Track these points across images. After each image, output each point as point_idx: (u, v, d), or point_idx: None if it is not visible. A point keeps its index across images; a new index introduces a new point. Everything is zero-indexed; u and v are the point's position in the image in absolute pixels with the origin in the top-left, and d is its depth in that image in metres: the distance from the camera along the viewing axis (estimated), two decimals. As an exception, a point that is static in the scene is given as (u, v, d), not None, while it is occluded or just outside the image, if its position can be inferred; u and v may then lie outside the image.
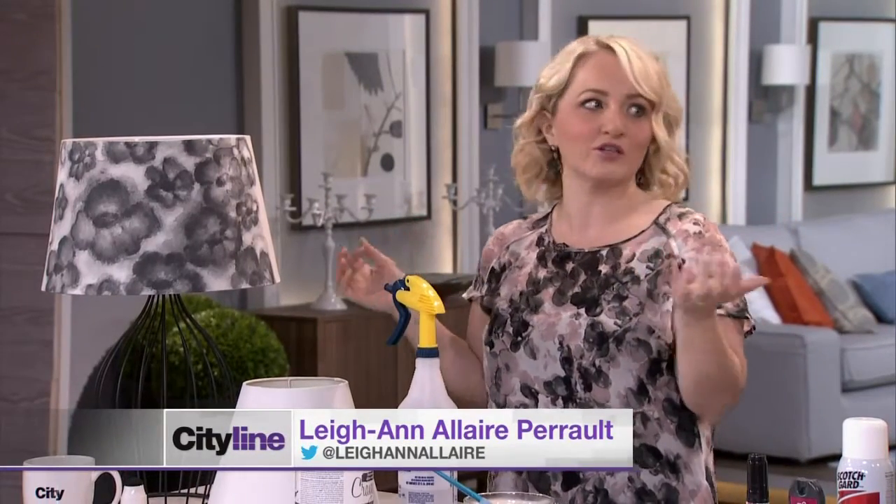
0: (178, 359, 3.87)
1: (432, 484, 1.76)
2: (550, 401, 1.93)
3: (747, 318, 1.92)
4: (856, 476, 1.55)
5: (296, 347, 4.27)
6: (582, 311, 1.91)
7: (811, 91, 6.01)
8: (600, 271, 1.93)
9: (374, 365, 4.33)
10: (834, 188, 6.17)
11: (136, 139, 1.85)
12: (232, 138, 1.88)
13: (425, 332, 1.80)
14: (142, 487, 1.80)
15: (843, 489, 1.57)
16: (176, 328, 1.92)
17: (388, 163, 4.82)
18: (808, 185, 6.06)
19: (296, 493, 1.78)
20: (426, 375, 1.80)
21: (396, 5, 4.81)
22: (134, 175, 1.83)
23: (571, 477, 1.92)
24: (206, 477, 1.88)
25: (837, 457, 1.58)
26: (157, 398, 1.95)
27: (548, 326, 1.92)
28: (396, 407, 1.85)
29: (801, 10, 5.88)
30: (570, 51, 1.97)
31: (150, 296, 1.88)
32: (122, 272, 1.82)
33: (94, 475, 1.82)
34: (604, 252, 1.95)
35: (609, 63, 1.93)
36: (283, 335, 4.23)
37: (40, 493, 1.78)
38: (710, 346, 1.83)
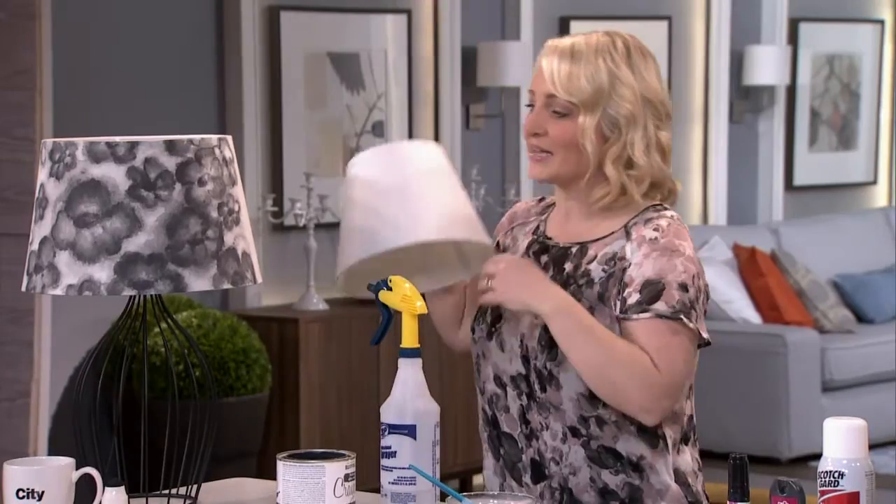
0: (160, 359, 3.86)
1: (414, 484, 1.76)
2: (516, 395, 1.95)
3: (681, 320, 1.86)
4: (836, 475, 1.56)
5: (278, 348, 4.26)
6: None
7: (791, 91, 6.03)
8: (564, 269, 1.94)
9: (356, 364, 4.33)
10: (814, 188, 6.19)
11: (117, 139, 1.85)
12: (213, 138, 1.88)
13: (407, 333, 1.80)
14: (122, 488, 1.79)
15: (824, 488, 1.57)
16: (157, 329, 1.92)
17: (369, 163, 4.82)
18: (789, 185, 6.08)
19: (277, 493, 1.77)
20: (409, 375, 1.80)
21: (378, 5, 4.81)
22: (115, 175, 1.82)
23: (538, 471, 1.93)
24: (188, 477, 1.88)
25: (818, 456, 1.58)
26: (139, 398, 1.94)
27: (514, 322, 1.93)
28: (378, 407, 1.85)
29: (781, 11, 5.90)
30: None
31: (131, 296, 1.87)
32: (102, 272, 1.81)
33: (75, 476, 1.82)
34: (573, 249, 1.95)
35: (539, 63, 1.95)
36: (265, 335, 4.22)
37: (20, 493, 1.77)
38: (567, 340, 1.85)
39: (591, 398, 1.89)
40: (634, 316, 1.87)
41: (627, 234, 1.93)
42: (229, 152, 1.91)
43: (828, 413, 5.05)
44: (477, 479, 4.87)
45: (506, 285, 1.88)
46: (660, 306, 1.86)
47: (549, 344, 1.89)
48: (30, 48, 3.72)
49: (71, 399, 3.99)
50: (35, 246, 1.87)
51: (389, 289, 1.84)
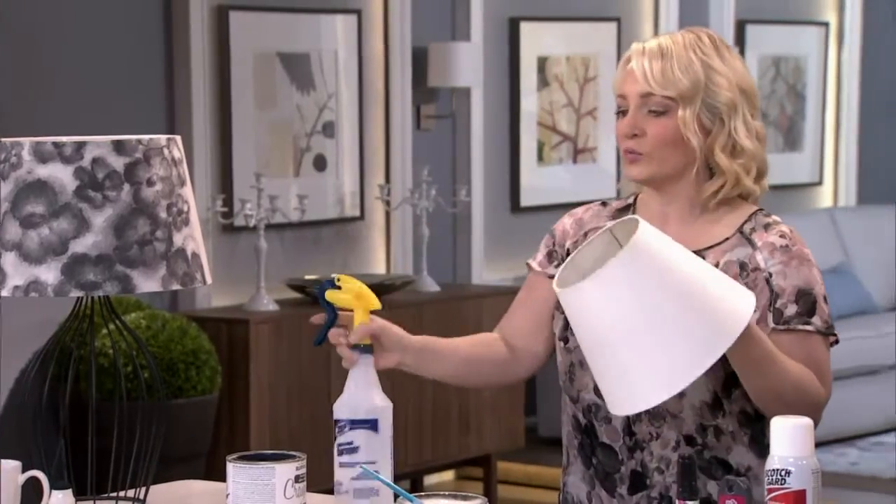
0: (108, 361, 3.82)
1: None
2: None
3: (833, 335, 1.90)
4: (783, 473, 1.57)
5: (228, 349, 4.24)
6: None
7: (739, 93, 6.08)
8: None
9: (307, 365, 4.32)
10: (762, 189, 6.25)
11: (64, 139, 1.83)
12: (162, 138, 1.87)
13: (361, 329, 1.81)
14: (69, 491, 1.78)
15: (771, 486, 1.59)
16: (105, 330, 1.90)
17: (320, 163, 4.80)
18: (737, 185, 6.14)
19: (227, 495, 1.77)
20: (361, 372, 1.80)
21: (328, 5, 4.79)
22: (62, 175, 1.81)
23: (638, 482, 1.90)
24: (136, 479, 1.86)
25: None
26: (86, 400, 1.93)
27: None
28: (330, 407, 1.84)
29: (728, 13, 5.96)
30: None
31: (78, 297, 1.86)
32: (49, 273, 1.79)
33: (21, 479, 1.80)
34: None
35: (628, 66, 1.93)
36: (214, 336, 4.20)
37: (-34, 498, 1.75)
38: (757, 365, 1.78)
39: (714, 407, 1.86)
40: (800, 327, 1.86)
41: (749, 241, 1.90)
42: (178, 152, 1.89)
43: (775, 411, 5.08)
44: (428, 480, 4.88)
45: None
46: (816, 321, 1.87)
47: None
48: (-25, 47, 3.67)
49: (17, 401, 3.94)
50: (-20, 247, 1.85)
51: (337, 287, 1.84)
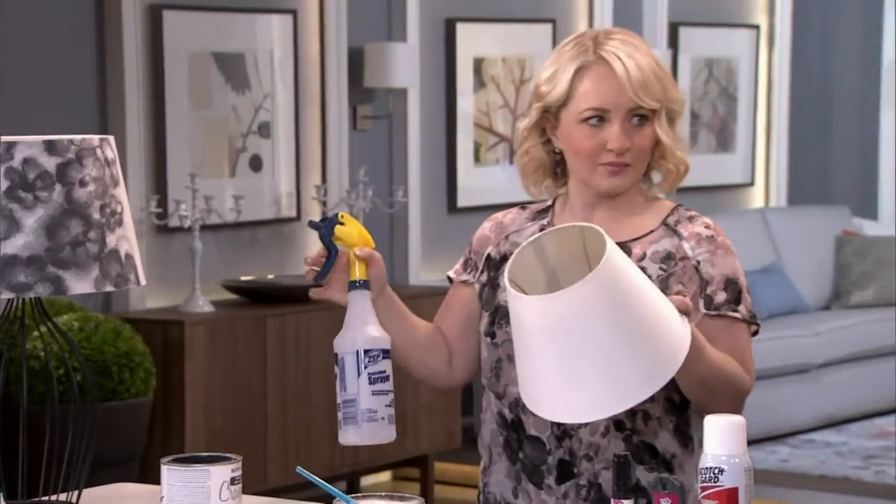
0: (39, 363, 3.78)
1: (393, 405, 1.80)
2: None
3: (757, 324, 1.95)
4: (716, 471, 1.59)
5: (162, 350, 4.21)
6: None
7: (673, 95, 6.13)
8: None
9: (242, 366, 4.29)
10: (695, 189, 6.32)
11: (-5, 139, 1.81)
12: (95, 138, 1.85)
13: (359, 266, 1.85)
14: (0, 495, 1.75)
15: (704, 484, 1.60)
16: (37, 332, 1.88)
17: (256, 163, 4.78)
18: (671, 186, 6.19)
19: (161, 498, 1.75)
20: (358, 305, 1.84)
21: (263, 5, 4.77)
22: (-8, 175, 1.78)
23: (566, 471, 1.92)
24: (69, 483, 1.85)
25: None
26: (17, 404, 1.90)
27: None
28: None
29: (661, 15, 6.01)
30: (569, 59, 1.93)
31: (9, 299, 1.83)
32: (-21, 275, 1.77)
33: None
34: None
35: (607, 77, 1.91)
36: (149, 338, 4.16)
37: None
38: (695, 364, 1.81)
39: None
40: (729, 313, 1.90)
41: (675, 232, 1.94)
42: (111, 153, 1.88)
43: (709, 410, 5.14)
44: (364, 481, 4.87)
45: None
46: (742, 309, 1.92)
47: None
48: None
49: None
50: None
51: (342, 224, 1.86)
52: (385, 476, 5.00)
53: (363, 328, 1.81)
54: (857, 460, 5.24)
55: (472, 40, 5.35)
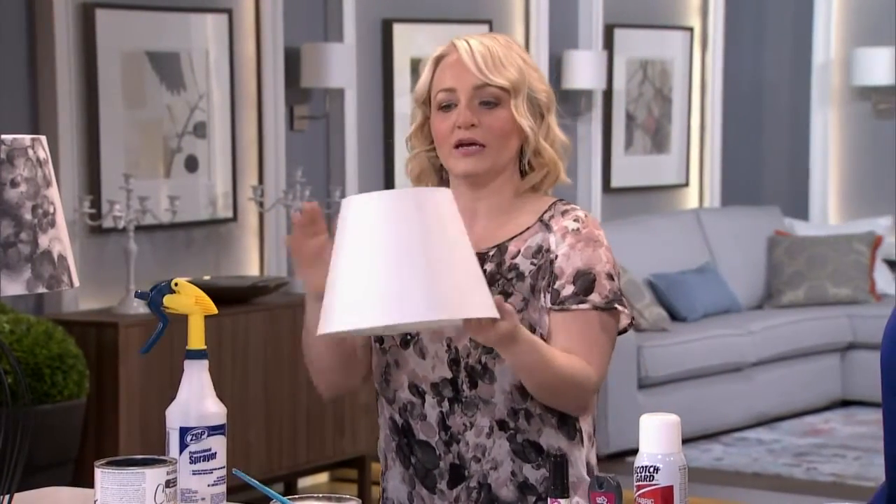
0: (-30, 366, 3.72)
1: (225, 482, 1.75)
2: (437, 402, 1.94)
3: (616, 308, 1.93)
4: (651, 470, 1.61)
5: (96, 353, 4.16)
6: None
7: (608, 96, 6.18)
8: (486, 270, 1.93)
9: (178, 369, 4.25)
10: (630, 190, 6.37)
11: (-76, 138, 1.78)
12: (26, 138, 1.83)
13: (197, 334, 1.79)
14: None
15: (640, 482, 1.62)
16: (-33, 335, 1.85)
17: (192, 164, 4.74)
18: (607, 186, 6.24)
19: (95, 501, 1.74)
20: (195, 376, 1.80)
21: (198, 4, 4.74)
22: (-79, 176, 1.75)
23: (457, 475, 1.93)
24: (1, 487, 1.82)
25: (635, 451, 1.63)
26: (-52, 408, 1.87)
27: (437, 328, 1.91)
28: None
29: (596, 17, 6.05)
30: (432, 56, 1.99)
31: (-61, 302, 1.81)
32: None
33: None
34: (490, 252, 1.96)
35: (455, 60, 1.95)
36: (82, 340, 4.12)
37: None
38: (530, 370, 1.84)
39: (523, 391, 1.91)
40: (574, 307, 1.90)
41: (547, 227, 1.96)
42: (43, 153, 1.86)
43: (643, 409, 5.20)
44: (302, 483, 4.85)
45: None
46: (595, 298, 1.92)
47: None
48: None
49: None
50: None
51: (173, 292, 1.82)
52: (323, 477, 4.99)
53: (197, 402, 1.79)
54: (788, 458, 5.31)
55: (409, 41, 5.36)
